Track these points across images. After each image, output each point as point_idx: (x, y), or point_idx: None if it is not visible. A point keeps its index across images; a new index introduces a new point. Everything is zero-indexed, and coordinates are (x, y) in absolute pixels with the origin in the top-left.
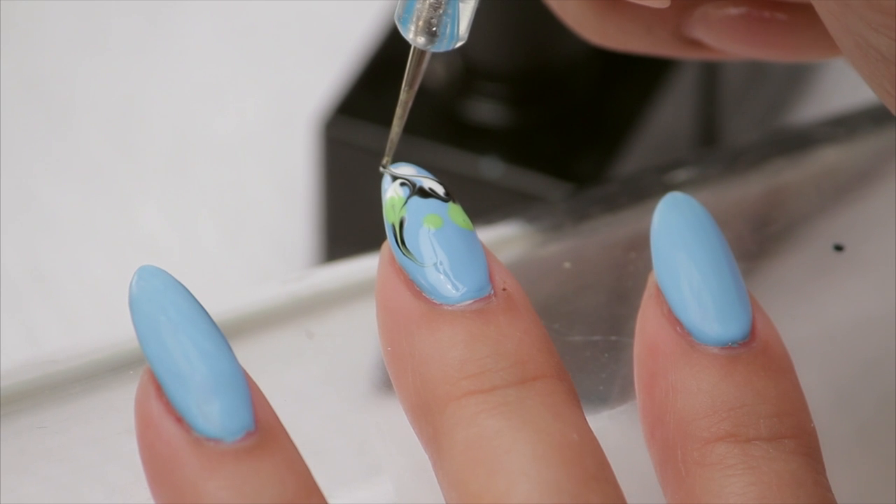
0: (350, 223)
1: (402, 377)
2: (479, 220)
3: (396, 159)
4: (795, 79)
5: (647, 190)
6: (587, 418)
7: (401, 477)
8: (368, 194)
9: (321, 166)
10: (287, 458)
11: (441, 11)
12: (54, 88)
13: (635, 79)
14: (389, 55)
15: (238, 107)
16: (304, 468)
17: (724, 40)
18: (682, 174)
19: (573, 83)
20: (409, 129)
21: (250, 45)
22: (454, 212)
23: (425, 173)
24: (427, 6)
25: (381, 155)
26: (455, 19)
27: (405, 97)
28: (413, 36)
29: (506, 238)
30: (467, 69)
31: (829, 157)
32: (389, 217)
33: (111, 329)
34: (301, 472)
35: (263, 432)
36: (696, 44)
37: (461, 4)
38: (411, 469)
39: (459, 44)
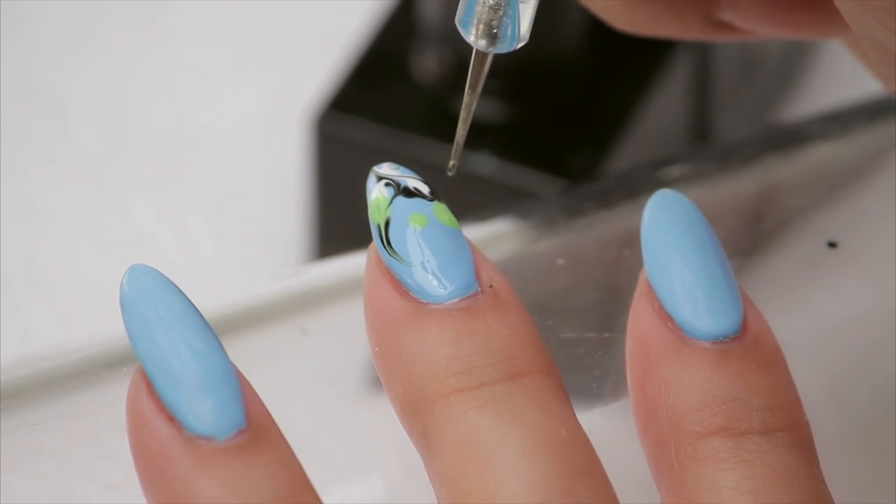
0: (343, 219)
1: (391, 377)
2: (472, 216)
3: (386, 158)
4: (788, 75)
5: (640, 186)
6: (580, 415)
7: (393, 474)
8: (361, 190)
9: (314, 162)
10: (279, 455)
11: (501, 13)
12: (48, 87)
13: (628, 75)
14: (382, 51)
15: (231, 103)
16: (296, 465)
17: (755, 21)
18: (675, 170)
19: (566, 79)
20: (400, 124)
21: (243, 42)
22: (439, 210)
23: (410, 172)
24: (487, 9)
25: (373, 150)
26: (515, 20)
27: (469, 100)
28: (474, 38)
29: (499, 234)
30: (460, 64)
31: (822, 154)
32: (375, 217)
33: (104, 326)
34: (294, 469)
35: (255, 430)
36: (725, 26)
37: (521, 5)
38: (403, 466)
39: (521, 44)
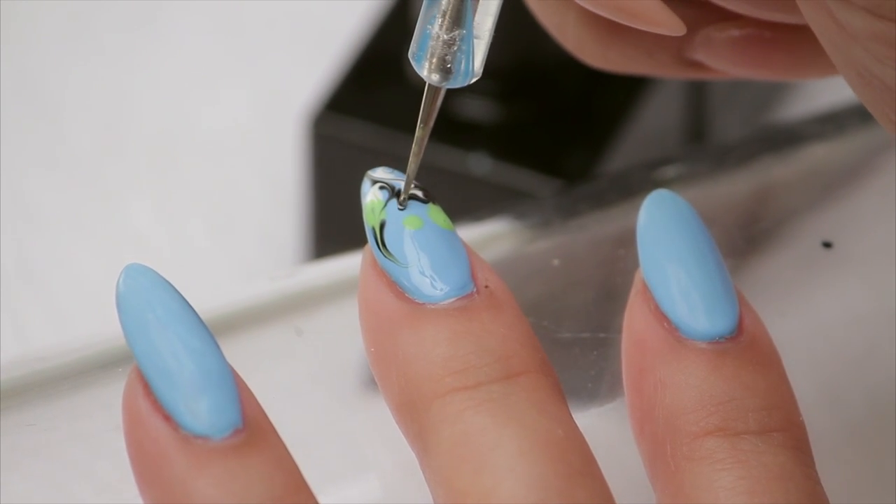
0: (339, 220)
1: (387, 377)
2: (468, 216)
3: (382, 159)
4: None
5: (635, 187)
6: (576, 416)
7: (388, 474)
8: (357, 191)
9: (310, 163)
10: (275, 454)
11: (455, 48)
12: (44, 86)
13: (624, 75)
14: (378, 52)
15: (227, 104)
16: (292, 465)
17: (727, 62)
18: (670, 171)
19: (562, 79)
20: (396, 125)
21: (239, 43)
22: (434, 212)
23: (404, 176)
24: (441, 43)
25: (369, 151)
26: (469, 55)
27: (420, 134)
28: (427, 73)
29: (494, 235)
30: None
31: (817, 154)
32: (370, 221)
33: (100, 326)
34: (289, 469)
35: (251, 429)
36: (697, 65)
37: (475, 40)
38: (399, 466)
39: (474, 79)
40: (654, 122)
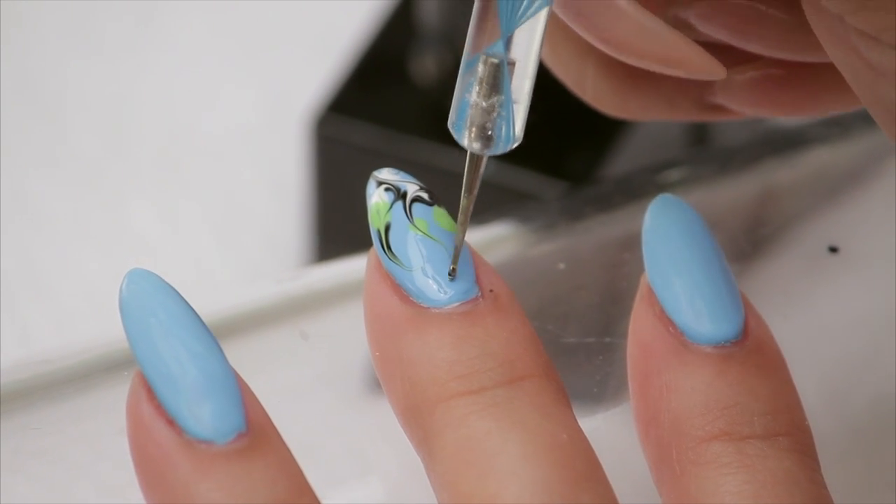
0: (343, 221)
1: (391, 381)
2: (472, 219)
3: (385, 160)
4: None
5: (640, 190)
6: (581, 420)
7: (393, 477)
8: (361, 192)
9: (313, 164)
10: (279, 458)
11: (495, 115)
12: (47, 88)
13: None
14: (381, 53)
15: (230, 105)
16: (295, 468)
17: (747, 103)
18: (675, 174)
19: None
20: (400, 126)
21: (242, 44)
22: (439, 215)
23: (409, 177)
24: (480, 111)
25: (372, 153)
26: (510, 121)
27: (465, 203)
28: (468, 142)
29: (499, 238)
30: (459, 66)
31: (822, 157)
32: (375, 223)
33: (104, 329)
34: (293, 473)
35: (255, 433)
36: (717, 108)
37: (514, 105)
38: (403, 469)
39: (516, 144)
40: (658, 124)
